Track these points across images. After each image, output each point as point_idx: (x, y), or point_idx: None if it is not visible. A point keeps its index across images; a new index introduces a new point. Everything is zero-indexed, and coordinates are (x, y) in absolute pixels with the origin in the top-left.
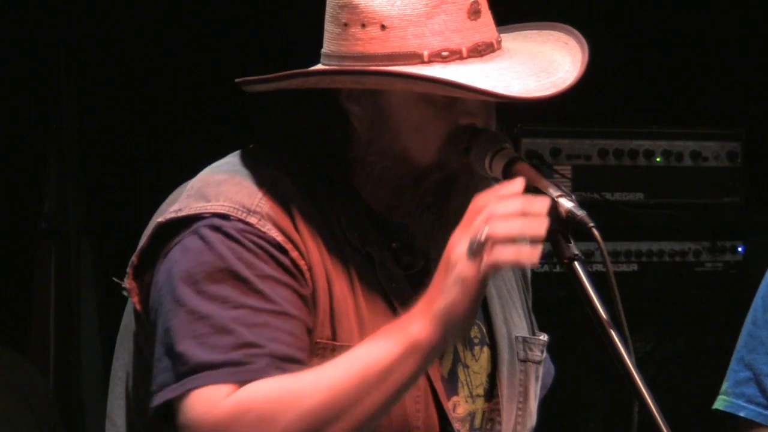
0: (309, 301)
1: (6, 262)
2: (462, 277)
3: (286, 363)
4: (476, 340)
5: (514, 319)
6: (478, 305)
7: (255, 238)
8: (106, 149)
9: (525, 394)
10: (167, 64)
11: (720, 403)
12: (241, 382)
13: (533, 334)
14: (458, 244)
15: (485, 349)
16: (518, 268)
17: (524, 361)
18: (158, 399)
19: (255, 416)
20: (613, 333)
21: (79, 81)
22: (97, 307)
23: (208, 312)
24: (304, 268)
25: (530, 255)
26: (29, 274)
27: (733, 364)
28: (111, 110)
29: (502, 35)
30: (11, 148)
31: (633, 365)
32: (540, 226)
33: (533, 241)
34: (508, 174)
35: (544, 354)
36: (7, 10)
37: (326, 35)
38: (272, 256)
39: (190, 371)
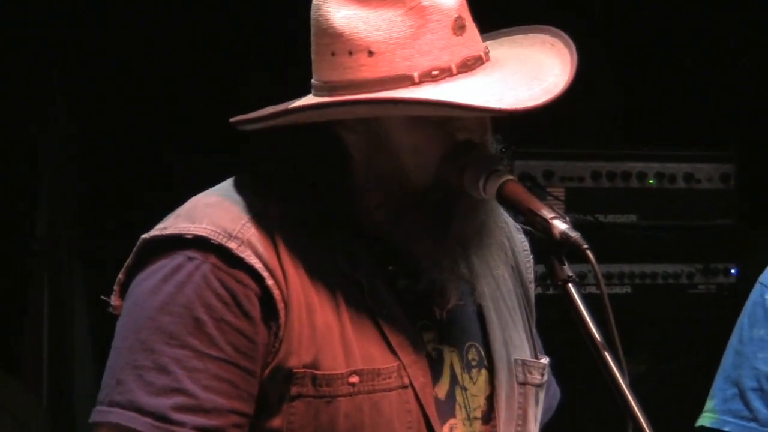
0: (267, 345)
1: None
2: None
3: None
4: (474, 363)
5: (514, 342)
6: None
7: (225, 277)
8: (98, 172)
9: (524, 417)
10: (161, 88)
11: (706, 420)
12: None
13: (536, 356)
14: None
15: (483, 371)
16: (523, 295)
17: (523, 384)
18: (92, 416)
19: None
20: (607, 355)
21: (72, 104)
22: (89, 328)
23: (153, 346)
24: (278, 297)
25: None
26: (22, 296)
27: (719, 382)
28: (103, 134)
29: (489, 42)
30: (3, 171)
31: (627, 387)
32: None
33: None
34: (501, 196)
35: (545, 377)
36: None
37: (315, 66)
38: (236, 300)
39: (121, 403)
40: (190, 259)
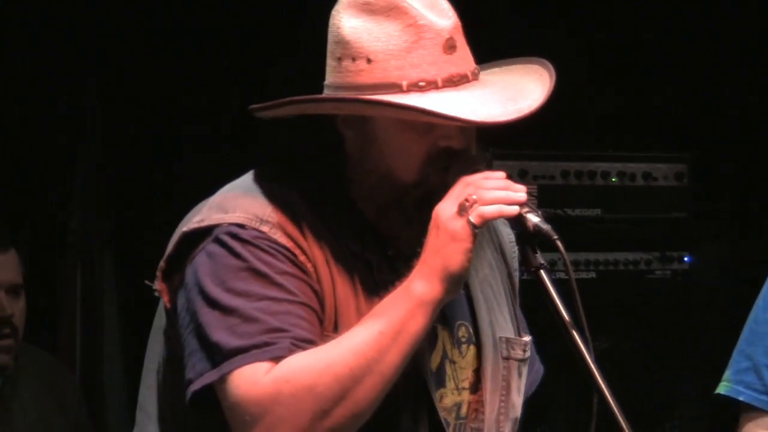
0: (319, 296)
1: (37, 273)
2: (453, 233)
3: (306, 344)
4: (463, 339)
5: (499, 322)
6: (470, 258)
7: (269, 243)
8: (126, 171)
9: (507, 389)
10: (184, 96)
11: (722, 388)
12: (274, 360)
13: (519, 335)
14: (445, 210)
15: (471, 347)
16: (508, 281)
17: (507, 358)
18: (197, 384)
19: (293, 386)
20: (575, 333)
21: (104, 111)
22: (117, 311)
23: (237, 306)
24: (311, 270)
25: (511, 210)
26: (58, 283)
27: (735, 354)
28: (130, 137)
29: (489, 69)
30: (42, 172)
31: (593, 362)
32: (520, 196)
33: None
34: None
35: (528, 353)
36: (36, 40)
37: (327, 68)
38: (286, 257)
39: (225, 357)
40: (233, 235)
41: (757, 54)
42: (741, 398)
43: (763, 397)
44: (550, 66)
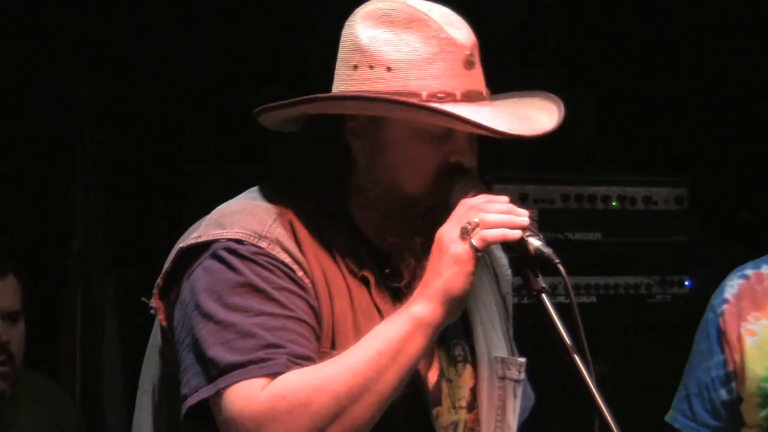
0: (317, 312)
1: (39, 296)
2: (455, 256)
3: (303, 360)
4: (460, 358)
5: (494, 342)
6: (471, 281)
7: (267, 258)
8: (127, 196)
9: (503, 408)
10: (186, 113)
11: (667, 416)
12: (270, 376)
13: (512, 356)
14: (448, 232)
15: (468, 366)
16: (501, 303)
17: (502, 378)
18: (192, 399)
19: (289, 403)
20: (576, 357)
21: (103, 135)
22: (117, 334)
23: (233, 321)
24: (309, 286)
25: (514, 234)
26: (59, 307)
27: (680, 385)
28: (129, 164)
29: (497, 98)
30: (43, 197)
31: (593, 385)
32: (523, 220)
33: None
34: None
35: (522, 374)
36: (35, 56)
37: (337, 77)
38: (284, 272)
39: (221, 372)
40: (230, 250)
41: (757, 77)
42: (677, 425)
43: (692, 425)
44: (558, 99)
